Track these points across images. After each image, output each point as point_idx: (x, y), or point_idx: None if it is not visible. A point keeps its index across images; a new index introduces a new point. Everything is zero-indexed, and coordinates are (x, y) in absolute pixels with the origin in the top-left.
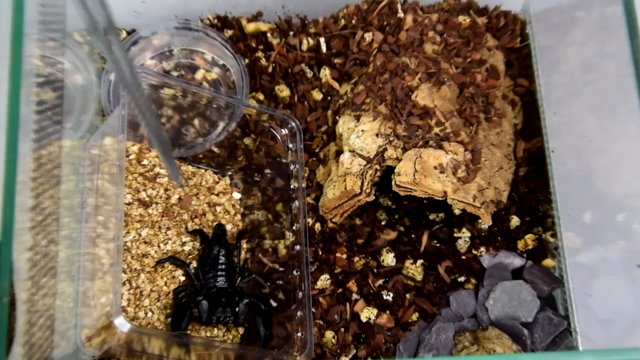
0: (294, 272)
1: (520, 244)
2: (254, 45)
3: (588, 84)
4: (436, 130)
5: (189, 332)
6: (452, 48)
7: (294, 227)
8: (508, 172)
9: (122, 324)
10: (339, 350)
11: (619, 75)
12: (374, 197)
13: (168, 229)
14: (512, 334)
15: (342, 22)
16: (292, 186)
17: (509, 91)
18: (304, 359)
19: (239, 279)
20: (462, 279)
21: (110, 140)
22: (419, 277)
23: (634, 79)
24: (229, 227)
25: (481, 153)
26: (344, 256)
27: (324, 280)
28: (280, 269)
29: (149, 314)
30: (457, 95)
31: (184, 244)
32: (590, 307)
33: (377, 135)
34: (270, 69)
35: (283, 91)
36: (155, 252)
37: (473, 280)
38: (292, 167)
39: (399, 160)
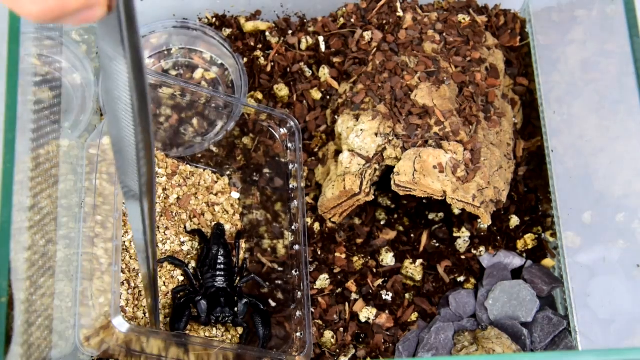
0: (293, 272)
1: (519, 244)
2: (252, 44)
3: (588, 83)
4: (435, 129)
5: (188, 332)
6: (452, 47)
7: (293, 227)
8: (508, 171)
9: (121, 324)
10: (338, 350)
11: (619, 74)
12: (373, 197)
13: (167, 228)
14: (512, 333)
15: (341, 21)
16: (291, 186)
17: (508, 90)
18: (303, 359)
19: (238, 279)
20: (461, 278)
21: (108, 139)
22: (418, 277)
23: (634, 78)
24: (227, 226)
25: (481, 152)
26: (343, 256)
27: (323, 280)
28: (279, 268)
29: (147, 313)
30: (456, 94)
31: (182, 243)
32: (590, 307)
33: (376, 134)
34: (269, 68)
35: (282, 90)
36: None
37: (472, 280)
38: (291, 166)
39: (398, 159)
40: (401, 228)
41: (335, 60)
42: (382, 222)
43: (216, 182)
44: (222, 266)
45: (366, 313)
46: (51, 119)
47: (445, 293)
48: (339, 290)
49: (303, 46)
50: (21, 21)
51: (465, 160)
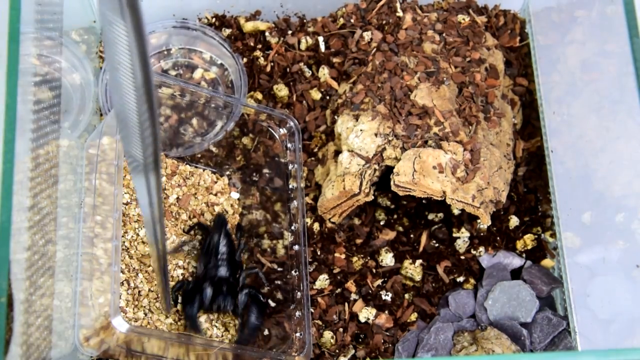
0: (293, 272)
1: (519, 244)
2: (252, 44)
3: (588, 84)
4: (435, 130)
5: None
6: (452, 47)
7: (292, 227)
8: (507, 172)
9: (121, 324)
10: (337, 351)
11: (619, 75)
12: (372, 197)
13: (166, 228)
14: (511, 334)
15: (341, 21)
16: (290, 186)
17: (508, 91)
18: (302, 359)
19: (240, 271)
20: (461, 279)
21: (108, 139)
22: (417, 277)
23: (634, 78)
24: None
25: (480, 153)
26: (343, 256)
27: (322, 281)
28: (279, 269)
29: (149, 314)
30: (456, 94)
31: (183, 243)
32: (590, 308)
33: (376, 134)
34: (268, 68)
35: (281, 90)
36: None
37: (472, 281)
38: (290, 166)
39: (397, 160)
40: (401, 228)
41: (335, 60)
42: (382, 223)
43: (216, 182)
44: (225, 255)
45: (366, 313)
46: (51, 119)
47: (445, 293)
48: (339, 290)
49: (303, 46)
50: (21, 21)
51: (465, 160)
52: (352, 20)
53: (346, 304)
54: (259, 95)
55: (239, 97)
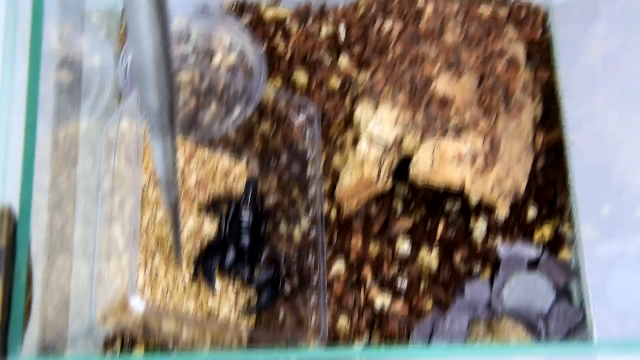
0: (310, 258)
1: (537, 236)
2: (272, 31)
3: (610, 77)
4: (455, 120)
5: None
6: (473, 39)
7: (310, 214)
8: (527, 163)
9: (138, 305)
10: (352, 337)
11: None
12: (391, 186)
13: (185, 211)
14: (527, 325)
15: (362, 9)
16: (308, 173)
17: (529, 83)
18: (317, 344)
19: (263, 247)
20: (477, 269)
21: (127, 122)
22: (434, 266)
23: None
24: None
25: (500, 144)
26: (360, 243)
27: (338, 267)
28: (296, 254)
29: (167, 296)
30: (476, 85)
31: (202, 225)
32: (607, 301)
33: (395, 123)
34: (288, 56)
35: (301, 78)
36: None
37: (488, 271)
38: (309, 153)
39: (416, 149)
40: (418, 217)
41: (355, 49)
42: (399, 211)
43: (234, 168)
44: (249, 225)
45: (381, 300)
46: (71, 101)
47: (461, 283)
48: (355, 277)
49: (323, 34)
50: (44, 3)
51: (485, 151)
52: (373, 10)
53: (362, 291)
54: (279, 83)
55: (258, 84)
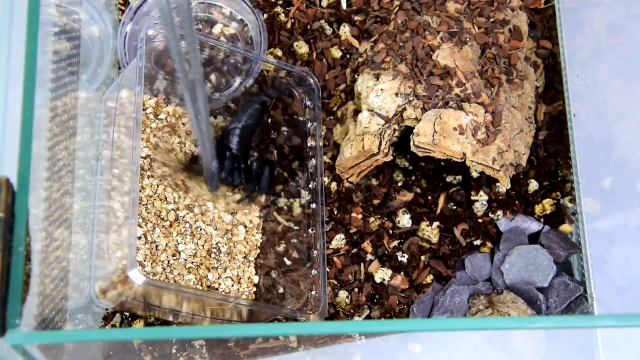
0: (309, 231)
1: (538, 209)
2: (273, 0)
3: (614, 48)
4: (457, 91)
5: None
6: (476, 8)
7: (310, 186)
8: (528, 135)
9: (137, 277)
10: (352, 311)
11: None
12: (391, 158)
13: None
14: (528, 298)
15: None
16: (309, 145)
17: (531, 53)
18: (317, 318)
19: (253, 159)
20: (478, 242)
21: (127, 92)
22: (434, 240)
23: None
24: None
25: (502, 115)
26: (360, 217)
27: (339, 240)
28: (295, 227)
29: (167, 269)
30: (479, 56)
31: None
32: (608, 274)
33: (396, 94)
34: (289, 25)
35: (302, 48)
36: (172, 207)
37: (489, 244)
38: (309, 125)
39: (418, 120)
40: (419, 190)
41: (357, 18)
42: (400, 184)
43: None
44: (241, 131)
45: (381, 274)
46: (69, 71)
47: (462, 256)
48: (355, 250)
49: (324, 4)
50: None
51: (486, 122)
52: None
53: (362, 265)
54: (279, 53)
55: (258, 54)
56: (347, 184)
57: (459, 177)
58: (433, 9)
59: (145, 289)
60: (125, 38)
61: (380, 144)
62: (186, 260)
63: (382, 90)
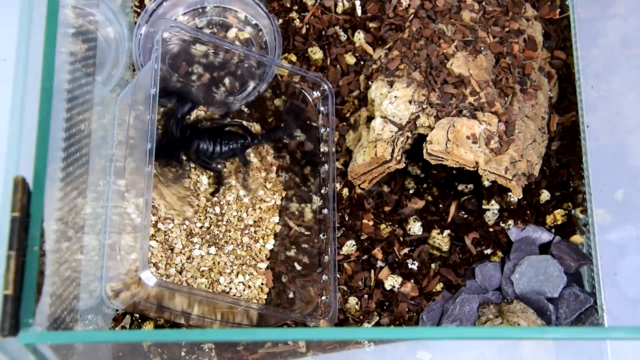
0: (320, 236)
1: (549, 219)
2: (288, 5)
3: (628, 59)
4: (470, 99)
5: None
6: (490, 17)
7: (321, 191)
8: (541, 145)
9: (149, 278)
10: (361, 317)
11: None
12: (404, 165)
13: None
14: (537, 308)
15: None
16: (321, 150)
17: (545, 63)
18: (327, 324)
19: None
20: (488, 251)
21: (141, 94)
22: (445, 248)
23: None
24: (259, 189)
25: (515, 125)
26: (371, 223)
27: (349, 246)
28: (306, 232)
29: (183, 272)
30: (493, 65)
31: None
32: (618, 286)
33: (410, 102)
34: (304, 31)
35: (316, 53)
36: (189, 211)
37: (499, 253)
38: (322, 130)
39: (431, 128)
40: (430, 198)
41: (371, 25)
42: (411, 191)
43: None
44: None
45: (391, 281)
46: (85, 72)
47: (472, 265)
48: (365, 257)
49: (339, 9)
50: None
51: (499, 131)
52: None
53: (372, 271)
54: (293, 58)
55: (272, 58)
56: (358, 190)
57: (471, 186)
58: (448, 17)
59: (157, 290)
60: (140, 40)
61: (393, 150)
62: (199, 263)
63: (395, 97)
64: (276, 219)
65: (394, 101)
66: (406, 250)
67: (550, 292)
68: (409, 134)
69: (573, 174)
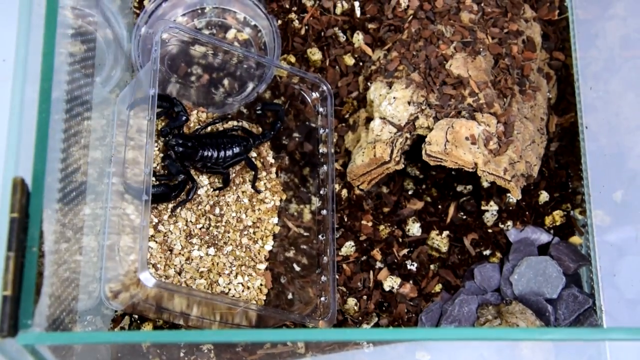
0: (319, 237)
1: (547, 220)
2: (287, 6)
3: (627, 60)
4: (469, 100)
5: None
6: (489, 18)
7: (320, 192)
8: (540, 146)
9: (148, 279)
10: (360, 318)
11: None
12: (402, 166)
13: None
14: (536, 309)
15: None
16: (320, 151)
17: (544, 64)
18: (325, 324)
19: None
20: (487, 252)
21: (140, 95)
22: (444, 249)
23: None
24: (260, 188)
25: (514, 126)
26: (370, 224)
27: (348, 247)
28: (305, 233)
29: (182, 273)
30: (492, 66)
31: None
32: (617, 287)
33: (409, 103)
34: (302, 32)
35: (315, 54)
36: (186, 208)
37: (498, 254)
38: (321, 131)
39: (430, 129)
40: (429, 199)
41: (370, 26)
42: (410, 192)
43: None
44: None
45: (390, 282)
46: (84, 73)
47: (471, 266)
48: (364, 258)
49: (338, 10)
50: None
51: (498, 132)
52: None
53: (371, 272)
54: (292, 59)
55: (271, 59)
56: (357, 191)
57: (470, 187)
58: (447, 19)
59: (156, 291)
60: (139, 41)
61: (392, 151)
62: (198, 264)
63: (394, 98)
64: (275, 219)
65: (392, 102)
66: (405, 251)
67: (549, 293)
68: (407, 135)
69: (572, 175)
